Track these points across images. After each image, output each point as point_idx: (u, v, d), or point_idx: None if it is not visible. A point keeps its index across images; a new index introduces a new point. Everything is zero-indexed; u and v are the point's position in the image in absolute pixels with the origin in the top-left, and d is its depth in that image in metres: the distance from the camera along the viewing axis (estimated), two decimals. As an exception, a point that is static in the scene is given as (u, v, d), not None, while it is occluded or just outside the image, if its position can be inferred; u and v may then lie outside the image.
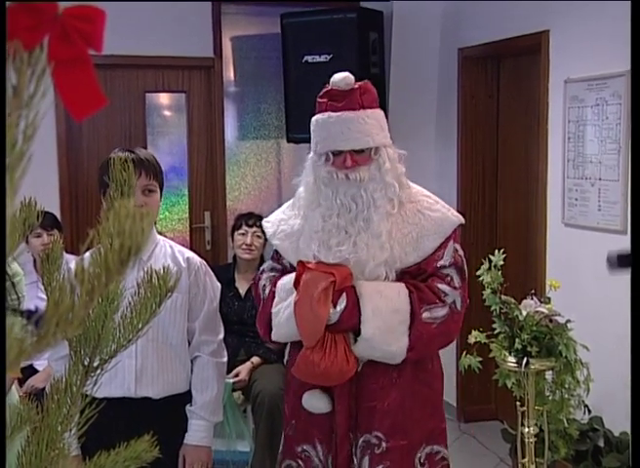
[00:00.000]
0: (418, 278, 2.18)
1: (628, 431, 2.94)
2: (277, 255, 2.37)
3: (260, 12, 4.96)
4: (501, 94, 4.46)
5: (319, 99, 2.21)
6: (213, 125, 4.90)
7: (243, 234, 3.88)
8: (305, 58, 4.38)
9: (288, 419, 2.34)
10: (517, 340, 2.71)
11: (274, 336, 2.26)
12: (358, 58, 4.25)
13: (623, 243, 3.13)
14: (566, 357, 2.71)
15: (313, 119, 2.21)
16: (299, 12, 4.50)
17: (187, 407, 2.33)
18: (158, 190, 2.29)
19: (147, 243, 2.45)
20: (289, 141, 4.70)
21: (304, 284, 2.10)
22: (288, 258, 2.29)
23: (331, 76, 2.27)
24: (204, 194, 4.97)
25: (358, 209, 2.14)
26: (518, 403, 2.85)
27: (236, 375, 3.62)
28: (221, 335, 2.43)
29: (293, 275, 2.18)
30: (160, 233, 2.45)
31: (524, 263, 4.05)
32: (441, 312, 2.13)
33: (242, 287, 3.86)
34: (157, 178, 2.28)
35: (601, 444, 3.06)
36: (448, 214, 2.22)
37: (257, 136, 5.12)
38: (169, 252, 2.32)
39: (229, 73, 5.00)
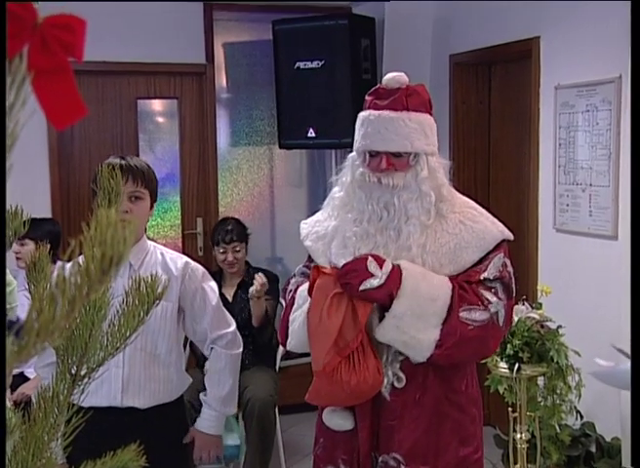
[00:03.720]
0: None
1: (620, 436, 2.94)
2: (309, 258, 2.24)
3: (251, 18, 4.96)
4: (493, 100, 4.47)
5: (366, 97, 2.08)
6: (205, 131, 4.89)
7: (223, 252, 3.98)
8: (297, 64, 4.38)
9: (317, 438, 2.20)
10: (509, 346, 2.72)
11: (289, 346, 2.13)
12: (350, 65, 4.25)
13: (614, 248, 3.14)
14: (557, 362, 2.72)
15: (358, 116, 2.09)
16: (290, 18, 4.51)
17: (201, 395, 2.38)
18: (148, 198, 2.26)
19: (137, 251, 2.44)
20: (281, 148, 4.70)
21: (316, 290, 1.98)
22: (319, 261, 2.13)
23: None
24: (196, 200, 4.96)
25: (389, 217, 2.01)
26: (510, 409, 2.85)
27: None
28: (234, 326, 2.43)
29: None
30: (150, 239, 2.45)
31: (515, 269, 4.04)
32: (481, 316, 1.93)
33: (229, 292, 3.98)
34: (147, 187, 2.25)
35: (593, 449, 3.06)
36: (491, 228, 2.06)
37: (249, 142, 5.12)
38: (160, 259, 2.31)
39: (221, 79, 5.00)
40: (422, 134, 2.04)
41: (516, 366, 2.69)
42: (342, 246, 2.05)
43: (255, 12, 4.90)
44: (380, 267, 1.91)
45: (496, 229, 2.08)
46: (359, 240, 2.02)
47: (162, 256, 2.33)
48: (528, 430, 2.84)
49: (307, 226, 2.23)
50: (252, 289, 3.64)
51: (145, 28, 4.62)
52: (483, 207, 2.18)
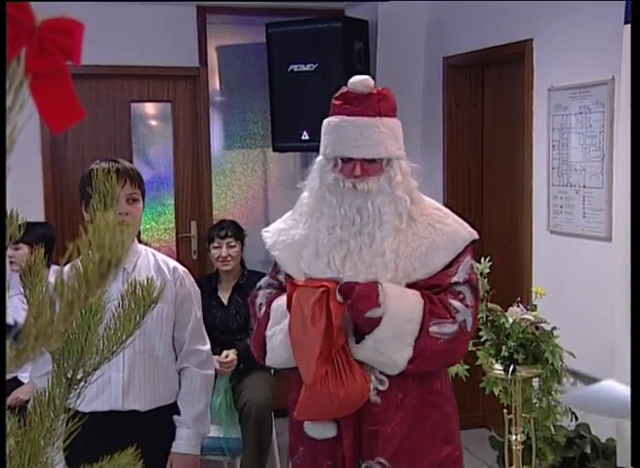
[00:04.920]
0: (425, 286, 2.04)
1: (615, 437, 2.94)
2: (274, 269, 2.21)
3: (245, 21, 4.97)
4: (486, 102, 4.48)
5: (334, 101, 2.06)
6: (198, 134, 4.89)
7: (217, 247, 3.93)
8: (291, 67, 4.38)
9: (294, 447, 2.19)
10: (504, 348, 2.72)
11: (269, 362, 2.13)
12: (343, 68, 4.25)
13: (608, 249, 3.15)
14: (552, 364, 2.72)
15: (325, 121, 2.07)
16: (284, 21, 4.51)
17: (175, 417, 2.32)
18: (141, 200, 2.29)
19: (130, 255, 2.44)
20: (275, 150, 4.70)
21: (295, 303, 1.95)
22: (289, 271, 2.12)
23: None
24: (190, 204, 4.96)
25: (362, 222, 2.01)
26: (505, 410, 2.86)
27: (226, 357, 3.62)
28: (209, 346, 2.42)
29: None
30: (142, 242, 2.45)
31: (510, 271, 4.06)
32: (450, 329, 1.98)
33: (224, 295, 3.92)
34: (141, 188, 2.28)
35: (588, 450, 3.06)
36: (460, 230, 2.09)
37: (243, 145, 5.11)
38: (152, 262, 2.31)
39: (215, 83, 5.00)
40: (394, 138, 2.04)
41: (511, 367, 2.70)
42: (315, 254, 2.04)
43: (248, 15, 4.90)
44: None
45: (464, 231, 2.10)
46: (332, 247, 2.02)
47: (154, 258, 2.33)
48: (523, 431, 2.85)
49: (271, 235, 2.19)
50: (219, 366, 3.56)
51: (139, 32, 4.62)
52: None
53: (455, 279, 2.03)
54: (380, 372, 2.01)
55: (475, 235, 2.12)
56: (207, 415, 2.38)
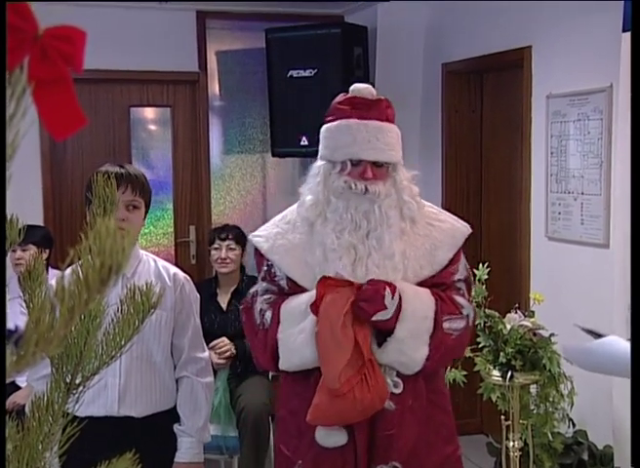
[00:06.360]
0: (432, 285, 2.09)
1: (612, 444, 2.94)
2: (270, 274, 2.14)
3: (244, 27, 4.98)
4: (485, 108, 4.49)
5: (338, 106, 2.06)
6: (198, 139, 4.90)
7: (217, 249, 3.92)
8: (290, 72, 4.39)
9: (292, 460, 2.12)
10: (501, 354, 2.72)
11: (283, 365, 2.07)
12: (343, 73, 4.27)
13: (606, 256, 3.16)
14: (550, 370, 2.73)
15: (330, 124, 2.06)
16: (283, 27, 4.52)
17: (176, 426, 2.30)
18: (143, 208, 2.26)
19: (130, 260, 2.44)
20: (274, 156, 4.71)
21: (327, 306, 1.93)
22: (292, 275, 2.09)
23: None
24: (189, 208, 4.96)
25: (370, 226, 2.02)
26: (503, 417, 2.85)
27: (220, 347, 3.61)
28: (207, 353, 2.41)
29: (302, 298, 2.02)
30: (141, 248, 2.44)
31: (508, 277, 4.06)
32: (460, 324, 2.05)
33: (223, 300, 3.91)
34: (144, 196, 2.25)
35: (585, 457, 3.06)
36: (457, 225, 2.18)
37: (242, 150, 5.12)
38: (153, 267, 2.31)
39: (214, 88, 5.00)
40: (399, 145, 2.09)
41: (509, 374, 2.70)
42: (324, 259, 2.02)
43: (248, 20, 4.92)
44: (392, 294, 1.96)
45: (461, 225, 2.19)
46: (342, 252, 2.01)
47: (155, 264, 2.32)
48: (520, 438, 2.84)
49: (265, 239, 2.14)
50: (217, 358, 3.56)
51: (138, 37, 4.63)
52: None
53: (457, 276, 2.11)
54: (397, 375, 2.02)
55: (470, 228, 2.20)
56: (208, 422, 2.39)
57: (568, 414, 2.96)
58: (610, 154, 3.17)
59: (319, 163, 2.11)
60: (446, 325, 2.02)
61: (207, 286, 3.93)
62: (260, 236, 2.16)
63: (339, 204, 2.03)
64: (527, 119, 3.76)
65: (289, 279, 2.11)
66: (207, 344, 2.48)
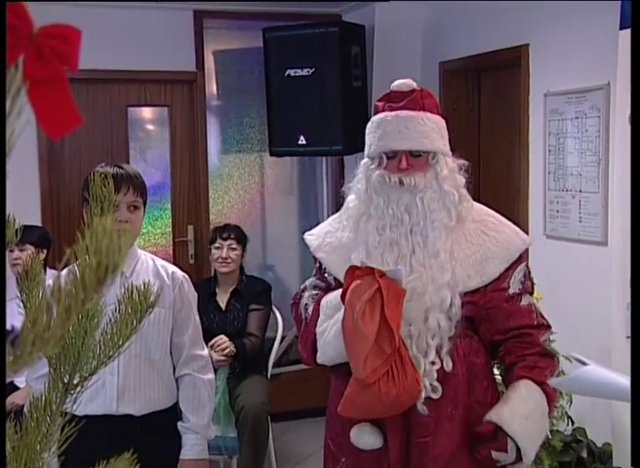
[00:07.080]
0: (485, 306, 1.98)
1: (611, 442, 2.95)
2: (320, 271, 2.14)
3: (242, 26, 4.97)
4: (482, 107, 4.49)
5: (377, 103, 2.04)
6: (195, 139, 4.89)
7: (218, 248, 3.91)
8: (288, 71, 4.39)
9: (337, 457, 2.08)
10: (500, 352, 2.71)
11: (320, 359, 2.03)
12: (340, 72, 4.26)
13: (604, 254, 3.16)
14: (549, 368, 2.72)
15: (369, 122, 2.04)
16: (281, 26, 4.52)
17: (180, 424, 2.31)
18: (142, 207, 2.28)
19: (128, 259, 2.44)
20: (272, 155, 4.70)
21: (348, 296, 1.86)
22: (335, 273, 2.06)
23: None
24: (187, 208, 4.96)
25: (412, 221, 1.94)
26: (502, 415, 2.85)
27: (219, 345, 3.61)
28: (207, 351, 2.43)
29: (339, 291, 1.94)
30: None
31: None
32: (554, 370, 2.01)
33: (222, 300, 3.90)
34: (143, 196, 2.27)
35: (584, 455, 3.06)
36: (514, 238, 2.04)
37: (239, 149, 5.12)
38: (151, 266, 2.31)
39: (212, 87, 5.00)
40: (439, 134, 2.01)
41: (508, 372, 2.69)
42: (366, 257, 1.97)
43: (245, 19, 4.91)
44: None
45: (518, 239, 2.06)
46: (384, 249, 1.96)
47: (153, 263, 2.33)
48: (520, 436, 2.84)
49: (316, 237, 2.14)
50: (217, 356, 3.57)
51: (136, 36, 4.63)
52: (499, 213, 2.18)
53: (511, 291, 2.00)
54: (437, 380, 1.94)
55: (529, 242, 2.10)
56: (211, 419, 2.40)
57: (567, 412, 2.97)
58: (607, 152, 3.17)
59: (364, 160, 2.08)
60: (550, 382, 1.93)
61: (206, 285, 3.93)
62: (312, 234, 2.17)
63: (379, 200, 1.98)
64: (524, 117, 3.76)
65: (334, 277, 2.09)
66: (206, 344, 2.48)
